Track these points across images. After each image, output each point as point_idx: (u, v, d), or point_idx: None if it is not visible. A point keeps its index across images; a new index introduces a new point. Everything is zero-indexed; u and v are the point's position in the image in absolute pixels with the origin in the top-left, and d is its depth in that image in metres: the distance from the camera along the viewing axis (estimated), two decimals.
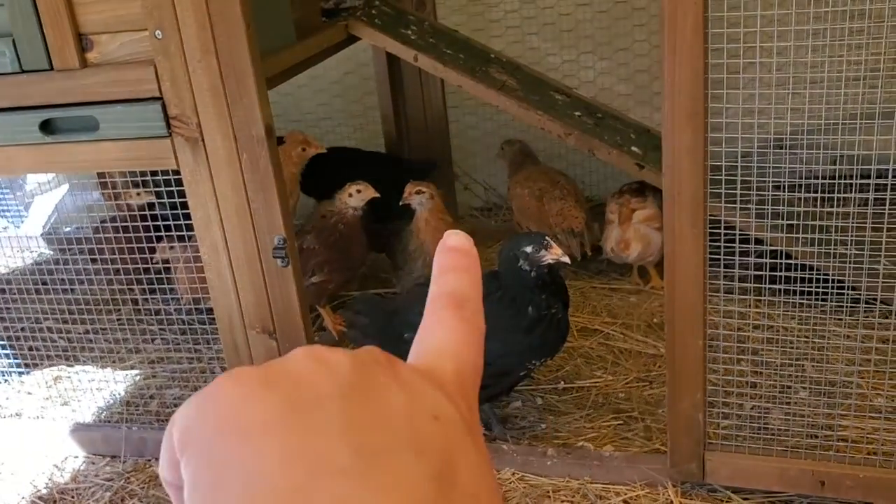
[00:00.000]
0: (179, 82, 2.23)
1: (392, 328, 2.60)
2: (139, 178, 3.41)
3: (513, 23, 4.35)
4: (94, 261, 3.30)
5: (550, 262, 2.36)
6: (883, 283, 2.18)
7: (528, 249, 2.36)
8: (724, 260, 2.10)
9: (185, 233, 2.56)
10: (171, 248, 3.13)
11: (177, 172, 2.38)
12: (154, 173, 2.68)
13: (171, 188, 2.44)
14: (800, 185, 2.29)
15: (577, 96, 3.74)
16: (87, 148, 2.37)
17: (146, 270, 3.20)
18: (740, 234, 2.17)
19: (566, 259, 2.40)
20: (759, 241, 2.29)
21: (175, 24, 2.16)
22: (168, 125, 2.28)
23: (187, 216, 2.45)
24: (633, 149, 3.32)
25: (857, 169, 2.02)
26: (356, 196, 3.28)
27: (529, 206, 3.60)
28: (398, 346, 2.40)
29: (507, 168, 3.93)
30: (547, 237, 2.39)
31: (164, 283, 3.27)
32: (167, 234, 3.05)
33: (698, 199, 1.97)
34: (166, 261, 3.27)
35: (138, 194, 3.36)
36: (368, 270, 3.81)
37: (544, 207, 3.57)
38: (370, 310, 2.72)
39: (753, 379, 2.66)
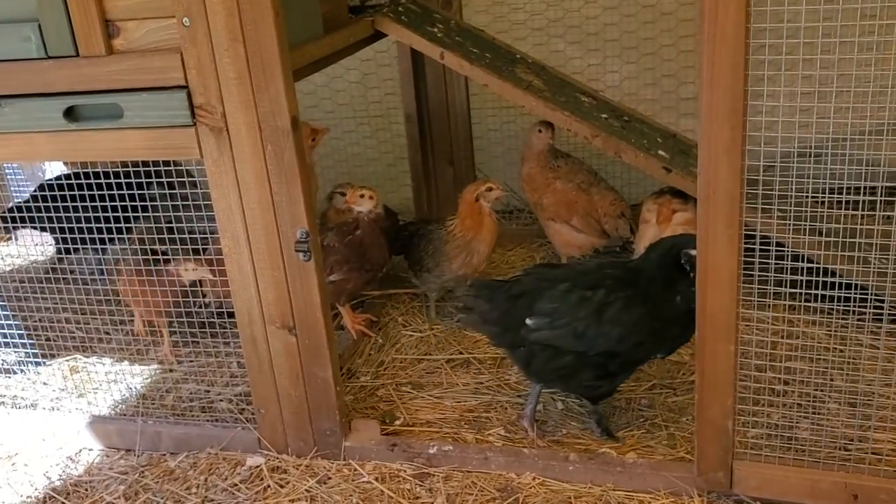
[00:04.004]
0: (206, 71, 2.20)
1: (514, 313, 2.53)
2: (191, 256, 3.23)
3: (538, 25, 4.31)
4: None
5: None
6: None
7: (693, 252, 2.39)
8: (756, 266, 2.04)
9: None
10: (195, 270, 3.04)
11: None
12: None
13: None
14: (835, 193, 2.24)
15: (604, 99, 3.69)
16: (110, 136, 2.35)
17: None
18: (768, 240, 2.12)
19: None
20: (780, 245, 2.24)
21: (203, 11, 2.13)
22: (193, 114, 2.25)
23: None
24: (660, 152, 3.27)
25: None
26: (361, 202, 3.25)
27: (577, 199, 3.57)
28: (518, 331, 2.27)
29: (535, 150, 3.69)
30: None
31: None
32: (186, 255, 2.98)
33: (734, 198, 1.92)
34: (193, 283, 3.17)
35: (195, 269, 3.12)
36: (390, 270, 3.78)
37: (594, 199, 3.57)
38: (492, 295, 2.62)
39: (784, 388, 2.60)
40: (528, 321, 2.49)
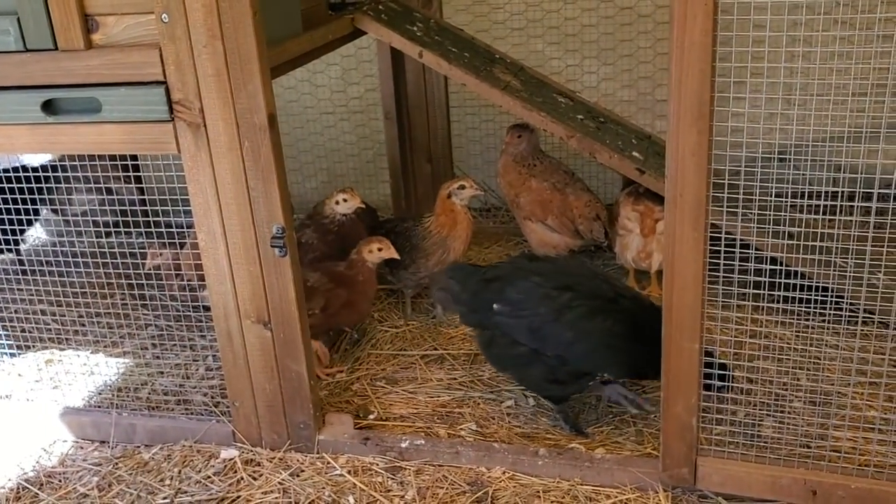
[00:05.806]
0: (184, 67, 2.22)
1: (485, 296, 2.62)
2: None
3: (518, 25, 4.36)
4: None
5: None
6: (881, 297, 2.19)
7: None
8: (724, 267, 2.10)
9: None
10: (161, 254, 3.09)
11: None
12: None
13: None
14: (801, 196, 2.30)
15: (580, 100, 3.74)
16: (88, 129, 2.36)
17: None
18: (738, 242, 2.17)
19: None
20: (748, 247, 2.29)
21: (182, 8, 2.15)
22: (171, 109, 2.27)
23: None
24: (634, 154, 3.32)
25: (860, 183, 2.02)
26: (343, 204, 3.32)
27: (552, 198, 3.60)
28: (485, 314, 2.46)
29: (519, 153, 3.70)
30: None
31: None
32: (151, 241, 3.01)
33: (700, 201, 1.96)
34: (157, 267, 3.24)
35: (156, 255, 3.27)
36: None
37: (569, 199, 3.60)
38: (464, 277, 2.74)
39: (748, 386, 2.67)
40: (494, 306, 2.58)
